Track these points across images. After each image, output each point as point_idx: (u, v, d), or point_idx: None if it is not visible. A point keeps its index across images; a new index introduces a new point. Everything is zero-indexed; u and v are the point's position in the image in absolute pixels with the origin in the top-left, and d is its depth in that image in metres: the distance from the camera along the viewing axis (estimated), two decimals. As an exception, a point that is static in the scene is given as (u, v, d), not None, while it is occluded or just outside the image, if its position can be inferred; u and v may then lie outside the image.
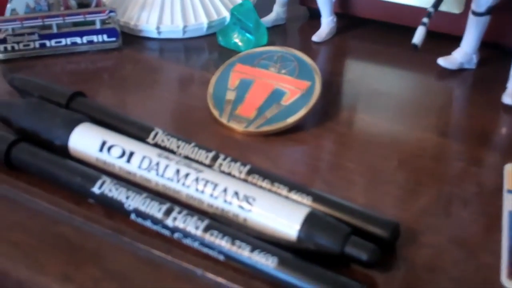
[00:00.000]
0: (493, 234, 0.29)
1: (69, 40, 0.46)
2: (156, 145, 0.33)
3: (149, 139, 0.34)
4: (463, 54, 0.43)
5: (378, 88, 0.42)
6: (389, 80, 0.44)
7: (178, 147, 0.33)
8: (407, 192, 0.33)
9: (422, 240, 0.29)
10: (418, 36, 0.37)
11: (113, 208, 0.29)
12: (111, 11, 0.45)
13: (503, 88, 0.41)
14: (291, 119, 0.36)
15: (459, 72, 0.44)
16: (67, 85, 0.39)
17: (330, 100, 0.40)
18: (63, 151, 0.33)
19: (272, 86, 0.38)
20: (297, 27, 0.51)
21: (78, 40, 0.46)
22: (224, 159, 0.32)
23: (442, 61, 0.43)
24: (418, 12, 0.46)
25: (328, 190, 0.31)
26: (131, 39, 0.48)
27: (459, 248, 0.29)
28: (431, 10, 0.37)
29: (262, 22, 0.47)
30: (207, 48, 0.48)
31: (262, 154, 0.35)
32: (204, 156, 0.32)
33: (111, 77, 0.45)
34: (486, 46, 0.44)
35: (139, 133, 0.34)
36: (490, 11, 0.41)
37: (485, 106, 0.40)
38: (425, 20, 0.37)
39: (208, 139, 0.36)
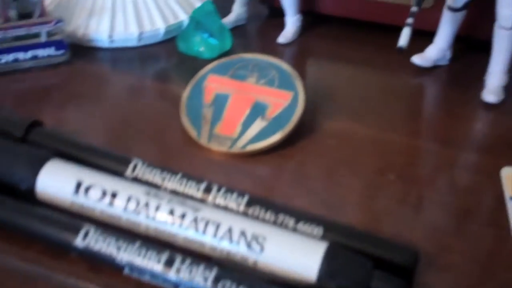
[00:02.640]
0: (505, 245, 0.28)
1: (11, 57, 0.40)
2: (136, 180, 0.30)
3: (128, 173, 0.30)
4: (437, 51, 0.42)
5: (355, 91, 0.40)
6: (365, 82, 0.41)
7: (163, 179, 0.29)
8: (409, 206, 0.31)
9: (440, 262, 0.27)
10: (404, 38, 0.35)
11: (101, 262, 0.26)
12: (58, 21, 0.40)
13: (479, 83, 0.40)
14: (278, 135, 0.34)
15: (433, 69, 0.42)
16: (13, 107, 0.35)
17: (308, 107, 0.38)
18: (31, 196, 0.28)
19: (252, 99, 0.35)
20: (258, 27, 0.48)
21: (21, 55, 0.41)
22: (219, 190, 0.29)
23: (417, 59, 0.42)
24: (384, 7, 0.44)
25: (328, 211, 0.29)
26: (80, 50, 0.44)
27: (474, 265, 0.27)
28: (415, 9, 0.35)
29: (225, 25, 0.44)
30: (167, 56, 0.44)
31: (252, 177, 0.32)
32: (194, 188, 0.29)
33: (61, 95, 0.40)
34: (457, 39, 0.43)
35: (115, 167, 0.30)
36: (467, 6, 0.39)
37: (465, 105, 0.39)
38: (409, 20, 0.35)
39: (188, 164, 0.33)
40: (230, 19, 0.46)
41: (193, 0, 0.46)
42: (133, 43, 0.44)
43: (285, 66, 0.36)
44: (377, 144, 0.35)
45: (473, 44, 0.44)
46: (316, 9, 0.47)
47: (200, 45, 0.43)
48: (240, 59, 0.37)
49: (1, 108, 0.34)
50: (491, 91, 0.38)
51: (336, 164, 0.34)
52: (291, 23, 0.45)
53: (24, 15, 0.40)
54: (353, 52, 0.44)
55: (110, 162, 0.30)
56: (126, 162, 0.30)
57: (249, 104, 0.35)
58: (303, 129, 0.35)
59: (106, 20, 0.43)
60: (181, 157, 0.34)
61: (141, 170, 0.30)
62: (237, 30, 0.47)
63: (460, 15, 0.40)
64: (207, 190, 0.29)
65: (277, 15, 0.48)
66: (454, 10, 0.39)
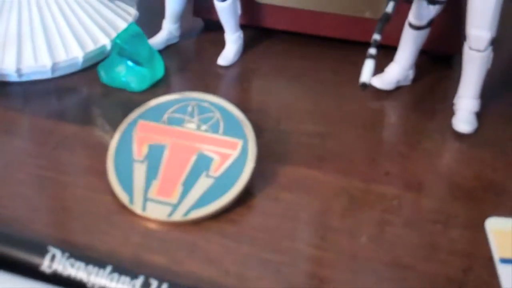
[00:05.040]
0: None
1: None
2: (55, 276, 0.24)
3: (44, 267, 0.24)
4: (400, 71, 0.37)
5: (311, 126, 0.35)
6: (321, 112, 0.36)
7: (89, 274, 0.24)
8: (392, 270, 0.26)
9: None
10: (367, 73, 0.29)
11: None
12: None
13: (446, 104, 0.36)
14: (227, 197, 0.28)
15: (395, 91, 0.38)
16: None
17: (260, 151, 0.32)
18: None
19: (194, 151, 0.29)
20: (193, 45, 0.42)
21: None
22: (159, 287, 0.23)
23: (377, 82, 0.37)
24: (332, 19, 0.39)
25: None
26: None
27: None
28: (378, 37, 0.30)
29: (154, 49, 0.38)
30: (88, 89, 0.37)
31: (198, 253, 0.27)
32: (129, 286, 0.23)
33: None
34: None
35: (27, 258, 0.24)
36: (430, 23, 0.35)
37: (434, 134, 0.34)
38: (372, 51, 0.30)
39: (117, 241, 0.27)
40: (160, 39, 0.40)
41: (116, 21, 0.39)
42: (46, 75, 0.37)
43: (230, 107, 0.31)
44: (341, 195, 0.30)
45: (435, 59, 0.39)
46: (257, 23, 0.41)
47: (127, 75, 0.36)
48: (175, 100, 0.31)
49: None
50: (463, 119, 0.34)
51: (298, 225, 0.28)
52: (232, 42, 0.39)
53: None
54: (303, 73, 0.39)
55: (21, 252, 0.24)
56: (41, 252, 0.24)
57: (190, 157, 0.29)
58: (254, 181, 0.30)
59: (12, 51, 0.36)
60: (111, 231, 0.28)
61: (61, 262, 0.24)
62: (169, 50, 0.40)
63: (424, 33, 0.35)
64: (145, 287, 0.23)
65: (214, 28, 0.42)
66: (417, 28, 0.35)
